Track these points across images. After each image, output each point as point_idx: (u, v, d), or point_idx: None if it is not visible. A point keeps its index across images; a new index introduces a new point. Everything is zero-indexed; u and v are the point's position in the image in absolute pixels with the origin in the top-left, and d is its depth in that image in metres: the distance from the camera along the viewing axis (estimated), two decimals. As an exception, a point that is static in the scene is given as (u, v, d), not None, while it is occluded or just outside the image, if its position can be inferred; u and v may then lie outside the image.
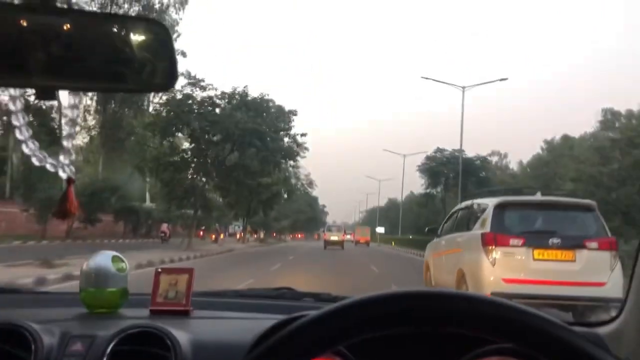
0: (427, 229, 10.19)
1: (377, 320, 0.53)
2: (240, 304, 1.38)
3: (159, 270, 1.28)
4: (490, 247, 6.34)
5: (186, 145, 25.82)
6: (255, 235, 46.61)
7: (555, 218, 6.79)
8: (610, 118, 46.10)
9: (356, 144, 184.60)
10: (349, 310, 0.53)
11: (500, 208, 6.65)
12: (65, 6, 0.70)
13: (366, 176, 75.65)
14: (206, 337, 1.08)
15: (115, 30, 0.71)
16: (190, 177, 25.42)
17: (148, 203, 38.64)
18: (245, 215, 38.52)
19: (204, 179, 25.53)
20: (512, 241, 6.35)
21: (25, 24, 0.67)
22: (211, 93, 23.88)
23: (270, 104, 25.01)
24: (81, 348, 1.02)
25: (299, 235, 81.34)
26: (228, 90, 24.28)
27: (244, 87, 24.49)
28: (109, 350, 0.99)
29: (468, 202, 8.09)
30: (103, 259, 1.24)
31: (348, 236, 44.11)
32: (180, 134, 25.00)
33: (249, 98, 24.37)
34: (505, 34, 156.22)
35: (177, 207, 27.40)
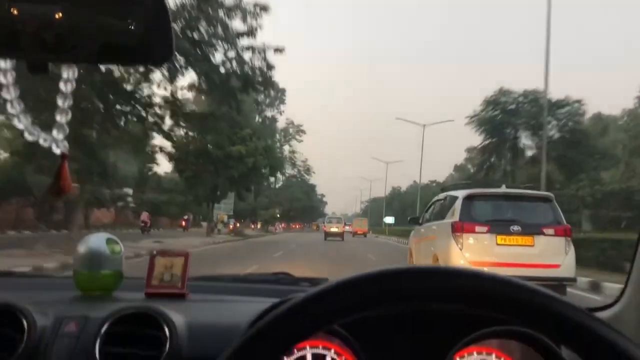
0: (409, 218, 10.46)
1: (372, 299, 0.47)
2: (237, 288, 1.30)
3: (154, 253, 1.20)
4: (458, 234, 6.70)
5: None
6: (232, 227, 34.24)
7: (517, 208, 7.11)
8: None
9: (360, 120, 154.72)
10: (342, 288, 0.47)
11: (468, 199, 7.00)
12: None
13: (372, 158, 66.70)
14: (202, 319, 1.01)
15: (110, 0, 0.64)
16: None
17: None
18: (210, 198, 26.56)
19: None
20: (478, 228, 6.72)
21: None
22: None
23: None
24: (75, 329, 0.94)
25: (296, 226, 69.43)
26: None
27: None
28: (103, 331, 0.91)
29: (444, 194, 8.37)
30: (97, 241, 1.15)
31: (347, 227, 41.28)
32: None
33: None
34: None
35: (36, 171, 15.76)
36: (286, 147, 65.43)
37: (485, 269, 0.51)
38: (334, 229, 33.69)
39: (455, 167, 70.16)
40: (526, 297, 0.46)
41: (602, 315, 1.00)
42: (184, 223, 34.49)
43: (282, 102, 62.98)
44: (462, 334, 0.89)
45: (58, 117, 0.80)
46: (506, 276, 0.48)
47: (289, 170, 66.06)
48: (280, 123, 65.18)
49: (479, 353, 0.93)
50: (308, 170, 69.18)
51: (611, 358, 0.44)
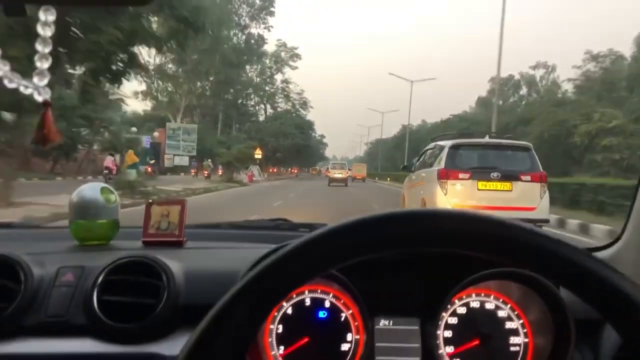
0: (402, 166, 10.67)
1: (372, 242, 0.43)
2: (235, 234, 1.26)
3: (150, 201, 1.15)
4: (443, 180, 6.95)
5: None
6: (220, 172, 24.01)
7: (497, 156, 7.33)
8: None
9: (372, 33, 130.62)
10: (341, 232, 0.43)
11: (453, 148, 7.24)
12: None
13: (390, 74, 45.62)
14: (200, 266, 0.96)
15: None
16: None
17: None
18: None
19: None
20: (461, 175, 6.96)
21: None
22: None
23: None
24: (72, 278, 0.90)
25: (293, 171, 54.37)
26: None
27: None
28: (100, 280, 0.87)
29: (433, 144, 8.54)
30: (91, 190, 1.09)
31: (349, 172, 39.09)
32: None
33: None
34: None
35: None
36: (278, 77, 49.91)
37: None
38: (337, 175, 33.02)
39: (478, 101, 55.29)
40: (525, 238, 0.43)
41: (601, 255, 0.98)
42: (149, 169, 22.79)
43: (270, 13, 45.72)
44: (460, 277, 0.86)
45: (39, 63, 0.72)
46: (501, 217, 0.44)
47: (282, 105, 51.36)
48: (270, 46, 49.36)
49: (477, 295, 0.91)
50: (305, 104, 52.20)
51: (609, 297, 0.41)
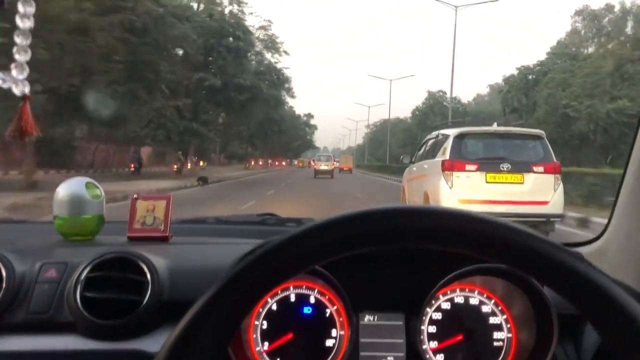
0: (401, 157, 10.57)
1: (354, 238, 0.45)
2: (222, 229, 1.29)
3: (135, 196, 1.18)
4: (448, 172, 6.80)
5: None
6: None
7: (507, 146, 7.19)
8: None
9: None
10: (323, 229, 0.45)
11: (459, 138, 7.07)
12: None
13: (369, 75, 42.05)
14: (185, 262, 1.00)
15: None
16: None
17: None
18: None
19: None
20: (468, 167, 6.82)
21: None
22: None
23: None
24: (55, 274, 0.93)
25: (276, 163, 47.58)
26: None
27: None
28: (83, 276, 0.90)
29: (436, 132, 8.42)
30: (76, 185, 1.13)
31: (336, 163, 40.75)
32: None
33: None
34: None
35: None
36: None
37: (474, 207, 0.50)
38: (323, 167, 33.74)
39: (557, 46, 35.73)
40: (501, 234, 0.45)
41: (586, 249, 1.00)
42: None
43: None
44: (445, 272, 0.89)
45: (17, 57, 0.75)
46: (479, 213, 0.47)
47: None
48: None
49: (461, 290, 0.94)
50: (274, 43, 31.25)
51: (587, 294, 0.43)
